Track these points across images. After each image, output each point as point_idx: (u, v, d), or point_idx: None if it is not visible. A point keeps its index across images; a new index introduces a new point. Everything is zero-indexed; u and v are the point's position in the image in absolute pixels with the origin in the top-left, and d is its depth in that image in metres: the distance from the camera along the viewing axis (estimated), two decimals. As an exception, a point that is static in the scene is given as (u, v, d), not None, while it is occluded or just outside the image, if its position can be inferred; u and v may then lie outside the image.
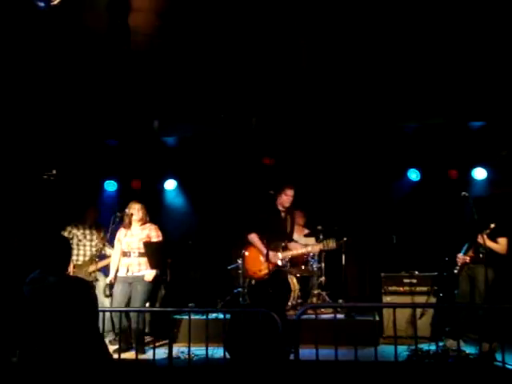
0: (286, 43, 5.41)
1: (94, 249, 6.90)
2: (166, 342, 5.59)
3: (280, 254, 5.83)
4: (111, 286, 6.21)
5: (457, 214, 6.28)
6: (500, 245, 6.06)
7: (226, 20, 4.98)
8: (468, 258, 6.16)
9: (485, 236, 5.94)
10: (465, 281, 6.20)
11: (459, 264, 6.26)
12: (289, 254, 6.01)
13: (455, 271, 6.32)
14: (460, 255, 6.28)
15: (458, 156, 7.66)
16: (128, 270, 6.19)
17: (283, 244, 5.91)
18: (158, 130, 7.48)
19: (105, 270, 6.82)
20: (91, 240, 6.94)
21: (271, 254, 5.74)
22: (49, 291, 3.29)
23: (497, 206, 6.31)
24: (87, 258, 6.85)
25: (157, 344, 5.42)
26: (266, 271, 5.70)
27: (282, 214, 6.01)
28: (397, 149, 7.82)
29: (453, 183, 7.67)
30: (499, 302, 5.72)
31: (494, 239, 6.05)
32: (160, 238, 6.38)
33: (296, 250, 6.04)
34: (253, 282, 6.55)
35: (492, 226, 6.01)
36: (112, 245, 6.64)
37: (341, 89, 6.57)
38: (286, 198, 5.96)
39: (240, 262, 7.31)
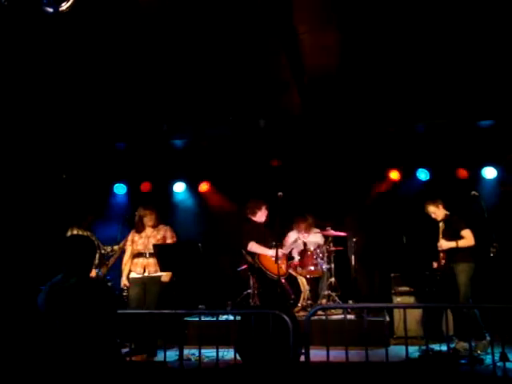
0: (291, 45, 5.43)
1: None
2: (177, 344, 5.61)
3: None
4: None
5: (467, 214, 6.24)
6: (466, 238, 6.00)
7: (231, 22, 5.00)
8: (443, 261, 6.15)
9: (443, 241, 5.99)
10: (445, 280, 6.18)
11: (439, 270, 6.28)
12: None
13: (438, 278, 6.33)
14: (435, 263, 6.33)
15: (468, 155, 7.62)
16: (145, 271, 6.21)
17: None
18: (167, 132, 7.51)
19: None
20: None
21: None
22: (69, 292, 3.24)
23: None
24: (96, 261, 6.88)
25: (167, 346, 5.44)
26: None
27: None
28: (406, 149, 7.79)
29: (462, 182, 7.64)
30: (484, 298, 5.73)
31: (457, 235, 6.00)
32: (175, 239, 6.42)
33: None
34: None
35: (441, 225, 6.03)
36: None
37: (349, 89, 6.58)
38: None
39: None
